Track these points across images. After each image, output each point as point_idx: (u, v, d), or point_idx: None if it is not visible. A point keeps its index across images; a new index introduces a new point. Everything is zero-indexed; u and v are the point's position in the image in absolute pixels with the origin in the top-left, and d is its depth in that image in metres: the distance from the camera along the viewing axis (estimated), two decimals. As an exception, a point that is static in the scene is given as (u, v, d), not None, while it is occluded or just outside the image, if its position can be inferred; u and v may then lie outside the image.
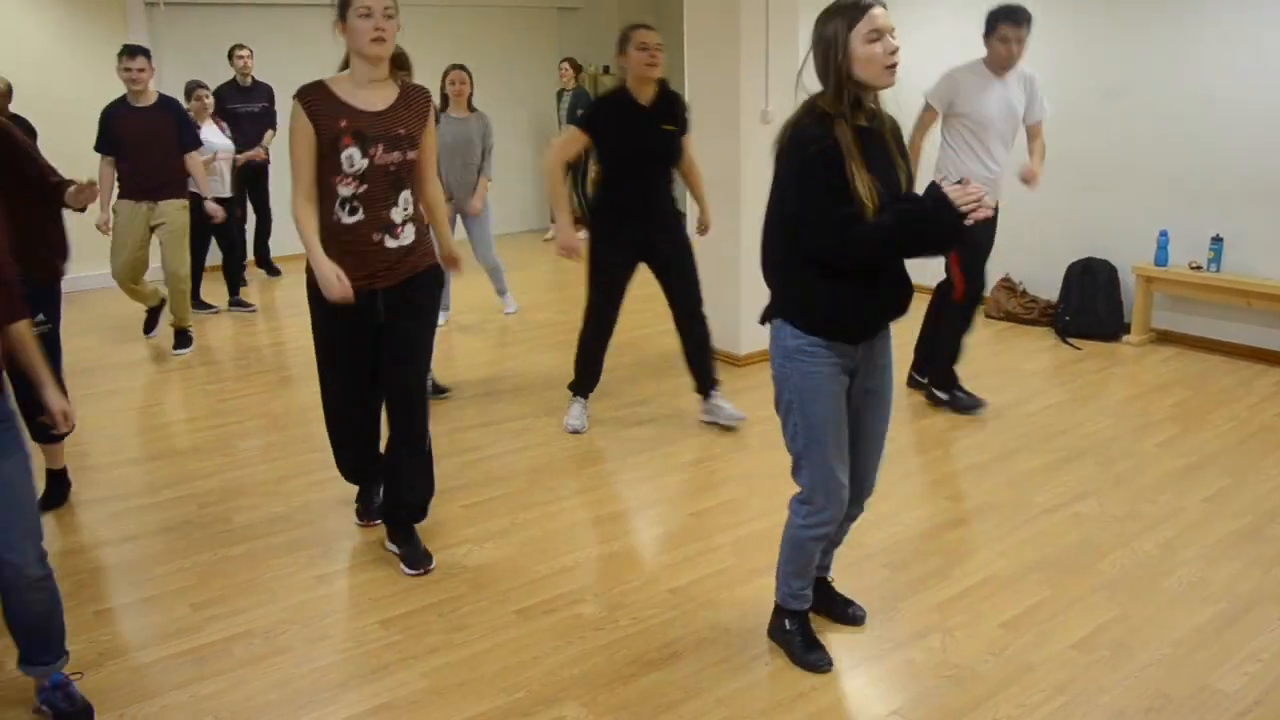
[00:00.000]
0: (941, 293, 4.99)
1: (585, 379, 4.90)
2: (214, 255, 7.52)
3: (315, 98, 3.07)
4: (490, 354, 6.29)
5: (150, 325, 6.72)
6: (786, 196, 2.57)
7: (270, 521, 3.93)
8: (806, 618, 2.95)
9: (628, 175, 4.47)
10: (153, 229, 6.09)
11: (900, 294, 2.68)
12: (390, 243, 3.21)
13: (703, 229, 4.83)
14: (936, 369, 5.02)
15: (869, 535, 3.66)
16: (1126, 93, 6.07)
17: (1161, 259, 5.94)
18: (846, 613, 3.11)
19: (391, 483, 3.56)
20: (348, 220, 3.14)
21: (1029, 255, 6.65)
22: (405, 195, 3.22)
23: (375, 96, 3.13)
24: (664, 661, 2.92)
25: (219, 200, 7.06)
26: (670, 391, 5.27)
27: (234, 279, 7.65)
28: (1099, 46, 6.23)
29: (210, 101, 7.21)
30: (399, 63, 4.11)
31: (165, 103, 6.04)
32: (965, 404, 4.93)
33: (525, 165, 10.58)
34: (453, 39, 9.80)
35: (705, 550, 3.61)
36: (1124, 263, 6.18)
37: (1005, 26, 4.50)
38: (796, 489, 2.79)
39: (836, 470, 2.69)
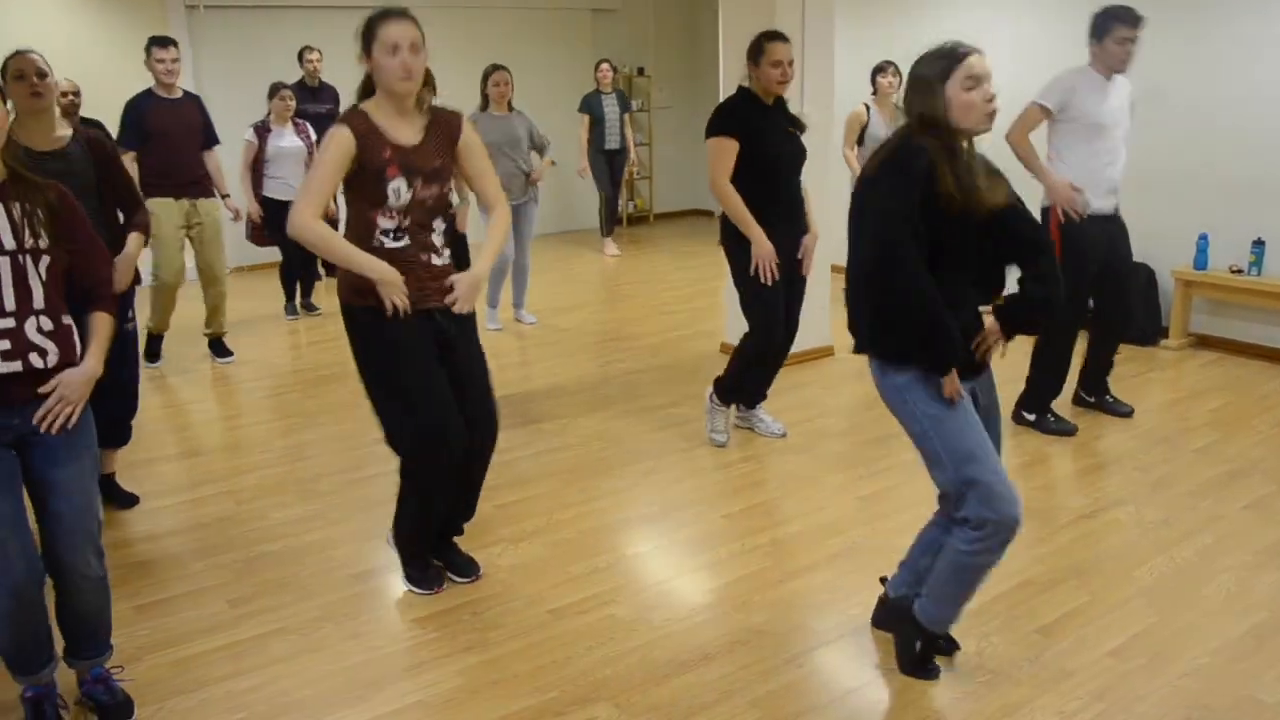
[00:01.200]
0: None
1: (742, 389, 4.67)
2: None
3: (364, 127, 2.99)
4: (522, 354, 6.32)
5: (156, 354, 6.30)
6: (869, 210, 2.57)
7: (305, 519, 3.97)
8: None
9: (768, 178, 4.25)
10: (187, 230, 5.92)
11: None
12: (435, 260, 3.17)
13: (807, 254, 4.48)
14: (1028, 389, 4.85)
15: (903, 539, 3.61)
16: (1166, 95, 6.00)
17: (1201, 262, 5.87)
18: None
19: (462, 496, 3.43)
20: (392, 245, 3.07)
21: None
22: (439, 222, 3.19)
23: (409, 129, 3.08)
24: (697, 663, 2.92)
25: (286, 203, 7.00)
26: (703, 393, 5.26)
27: (303, 283, 7.57)
28: (1139, 48, 6.17)
29: (292, 103, 7.11)
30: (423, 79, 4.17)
31: (191, 96, 6.01)
32: (1054, 428, 4.72)
33: (564, 168, 10.61)
34: (486, 41, 9.84)
35: (738, 553, 3.60)
36: (1162, 266, 6.12)
37: (1122, 28, 4.38)
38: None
39: (996, 482, 2.56)
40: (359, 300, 3.07)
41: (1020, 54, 6.47)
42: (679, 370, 5.82)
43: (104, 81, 7.55)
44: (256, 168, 6.98)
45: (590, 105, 9.32)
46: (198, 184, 5.92)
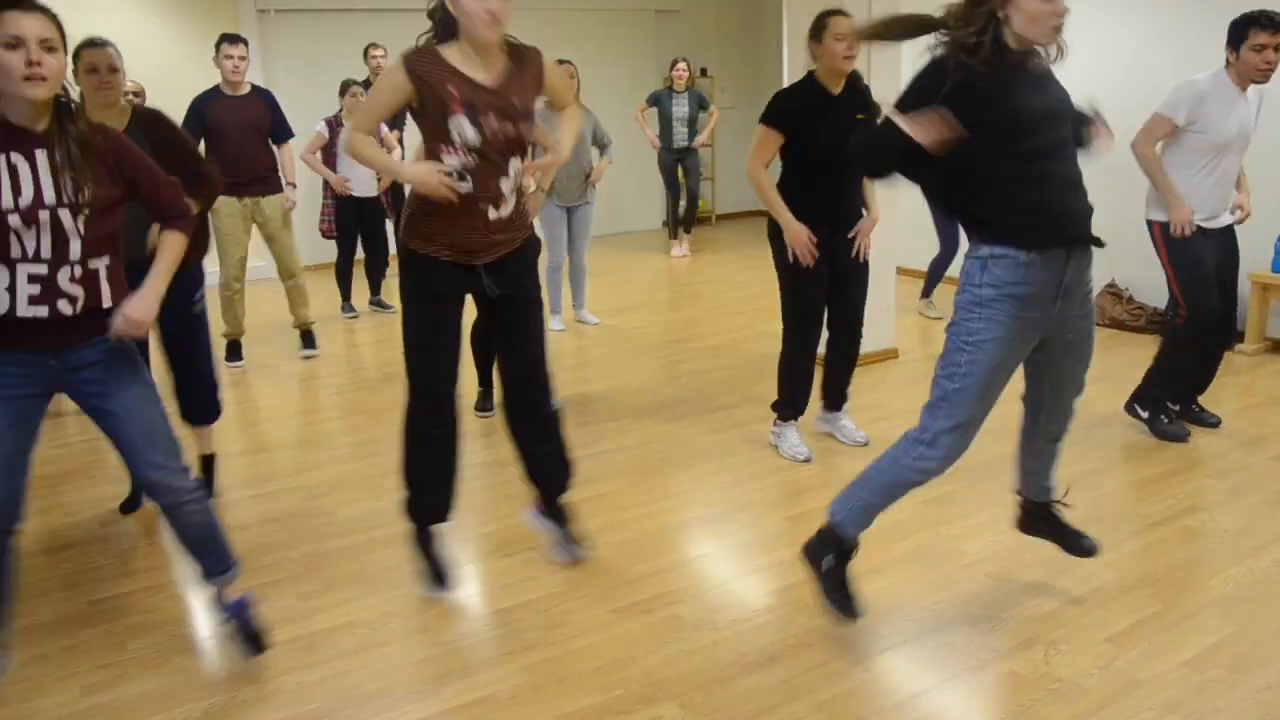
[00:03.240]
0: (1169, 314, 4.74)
1: (796, 399, 4.54)
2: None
3: (423, 60, 2.94)
4: (583, 355, 6.35)
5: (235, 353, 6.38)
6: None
7: (373, 515, 4.02)
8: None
9: (818, 174, 4.14)
10: (258, 226, 6.03)
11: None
12: (493, 214, 3.09)
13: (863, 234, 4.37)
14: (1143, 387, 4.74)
15: (969, 543, 3.61)
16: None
17: (1279, 265, 5.73)
18: (1079, 544, 3.15)
19: (538, 455, 3.53)
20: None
21: (1136, 261, 6.45)
22: (515, 163, 3.10)
23: (486, 66, 3.00)
24: (762, 665, 2.92)
25: (363, 199, 7.16)
26: (768, 394, 5.23)
27: (371, 280, 7.70)
28: (1214, 48, 6.04)
29: (364, 99, 7.18)
30: None
31: (260, 92, 6.07)
32: (1167, 431, 4.59)
33: (617, 169, 10.63)
34: (550, 44, 9.86)
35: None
36: (1239, 270, 5.96)
37: (1261, 33, 4.12)
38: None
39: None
40: (418, 245, 3.11)
41: (1106, 52, 6.36)
42: (743, 371, 5.81)
43: (175, 86, 7.71)
44: (331, 162, 7.07)
45: (657, 99, 9.32)
46: (262, 181, 5.98)
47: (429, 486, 3.38)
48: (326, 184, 7.11)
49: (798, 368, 4.45)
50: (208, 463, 4.25)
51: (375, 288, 7.75)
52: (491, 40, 2.96)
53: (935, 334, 6.58)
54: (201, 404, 4.12)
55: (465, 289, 3.18)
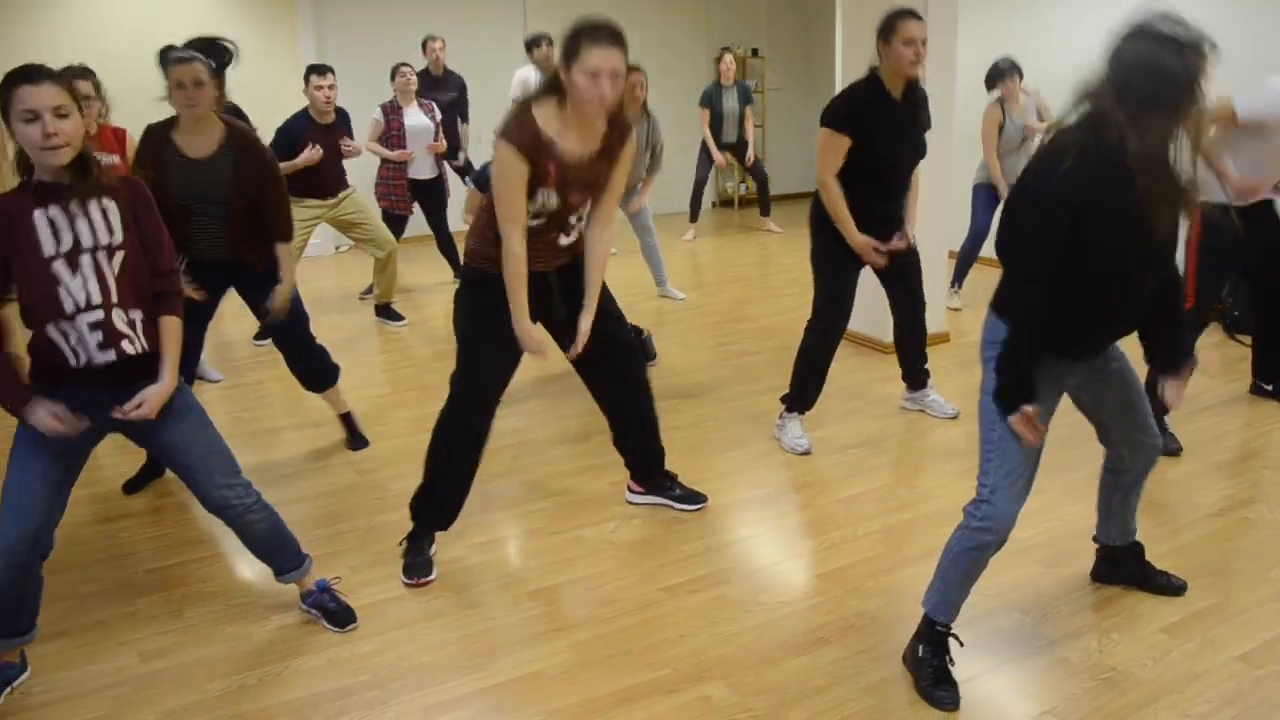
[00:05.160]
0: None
1: (807, 393, 4.47)
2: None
3: (524, 138, 3.00)
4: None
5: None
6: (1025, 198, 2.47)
7: (424, 490, 4.05)
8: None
9: (873, 177, 4.06)
10: (334, 219, 6.16)
11: (1130, 323, 2.66)
12: (563, 240, 3.28)
13: (901, 238, 4.28)
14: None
15: (1022, 530, 3.54)
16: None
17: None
18: (1168, 584, 3.16)
19: (646, 437, 3.76)
20: (530, 225, 3.15)
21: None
22: (588, 206, 3.29)
23: (583, 139, 3.10)
24: (810, 647, 2.91)
25: (421, 182, 7.26)
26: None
27: (452, 256, 7.74)
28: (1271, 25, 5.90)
29: (413, 78, 7.21)
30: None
31: (341, 116, 6.16)
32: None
33: (669, 159, 10.59)
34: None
35: (851, 538, 3.57)
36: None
37: None
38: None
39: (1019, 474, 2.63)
40: (487, 265, 3.21)
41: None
42: (792, 353, 5.75)
43: (241, 73, 7.82)
44: (395, 145, 7.12)
45: (710, 98, 9.24)
46: (337, 182, 6.11)
47: (443, 497, 3.45)
48: (388, 162, 7.16)
49: (814, 361, 4.40)
50: (347, 420, 4.54)
51: (456, 263, 7.75)
52: (595, 116, 3.04)
53: (978, 318, 6.50)
54: (317, 371, 4.34)
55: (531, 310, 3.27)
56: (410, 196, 7.25)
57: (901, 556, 3.42)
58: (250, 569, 3.39)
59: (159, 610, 3.22)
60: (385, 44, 8.80)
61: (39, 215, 2.52)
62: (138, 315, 2.66)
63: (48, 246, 2.52)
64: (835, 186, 4.06)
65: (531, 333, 3.21)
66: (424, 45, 8.03)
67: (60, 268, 2.54)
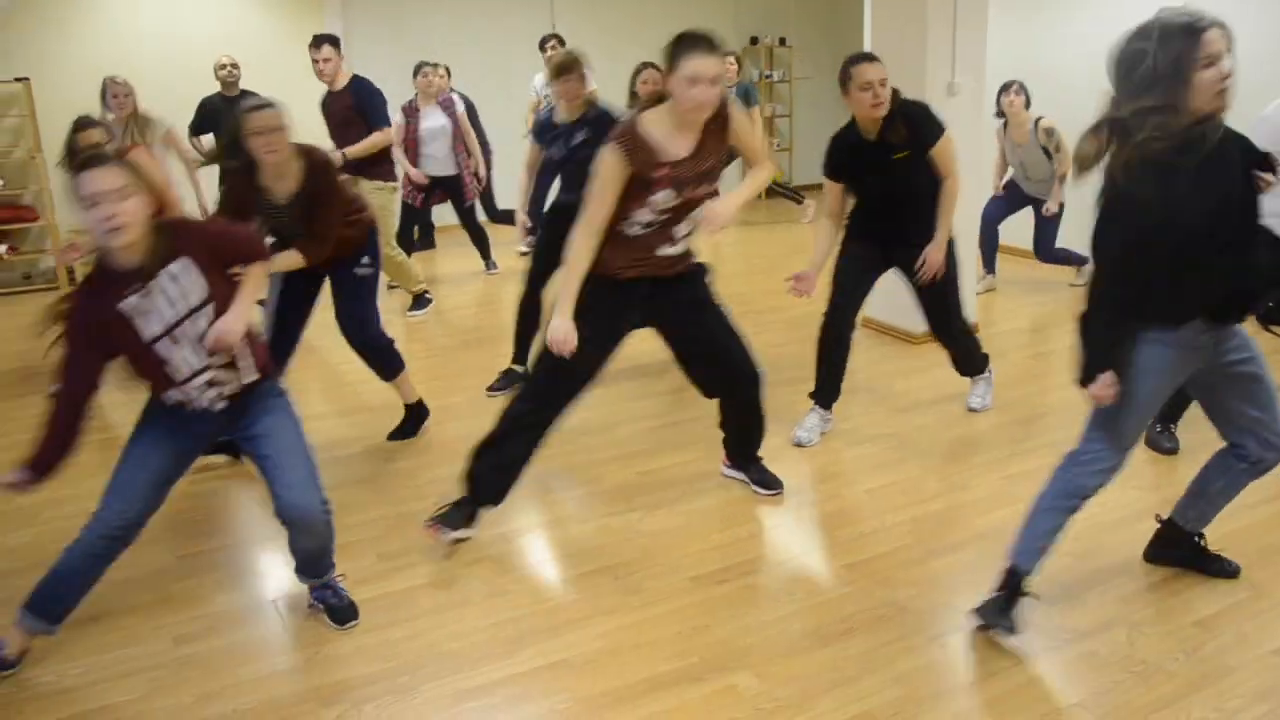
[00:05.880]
0: None
1: (821, 383, 4.52)
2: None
3: (631, 145, 3.13)
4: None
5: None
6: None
7: (452, 479, 4.05)
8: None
9: (877, 209, 4.27)
10: None
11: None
12: (667, 250, 3.36)
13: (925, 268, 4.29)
14: None
15: (1051, 522, 3.55)
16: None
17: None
18: (1223, 567, 3.19)
19: (742, 419, 3.83)
20: (636, 233, 3.29)
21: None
22: (697, 213, 3.33)
23: (686, 139, 3.21)
24: (838, 637, 2.91)
25: (440, 179, 7.34)
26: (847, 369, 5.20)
27: (483, 245, 7.90)
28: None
29: (434, 79, 7.25)
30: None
31: (356, 85, 6.18)
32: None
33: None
34: (624, 24, 9.88)
35: (880, 528, 3.57)
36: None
37: None
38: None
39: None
40: (595, 268, 3.27)
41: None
42: (814, 345, 5.75)
43: (265, 64, 7.89)
44: (410, 147, 7.21)
45: None
46: (361, 169, 6.13)
47: (505, 471, 3.51)
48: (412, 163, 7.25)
49: (819, 349, 4.46)
50: (412, 411, 4.59)
51: (486, 253, 7.97)
52: (695, 120, 3.16)
53: (1006, 308, 6.48)
54: (383, 359, 4.38)
55: (627, 313, 3.43)
56: (416, 189, 7.35)
57: (930, 548, 3.41)
58: (282, 556, 3.42)
59: (192, 595, 3.26)
60: (411, 34, 8.84)
61: (125, 307, 2.60)
62: (239, 352, 2.78)
63: (145, 332, 2.63)
64: (824, 227, 4.37)
65: (563, 329, 3.22)
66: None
67: (162, 347, 2.65)
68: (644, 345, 5.70)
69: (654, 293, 3.40)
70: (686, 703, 2.65)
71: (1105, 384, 2.64)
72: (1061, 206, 6.44)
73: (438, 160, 7.29)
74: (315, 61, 6.05)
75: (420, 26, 9.32)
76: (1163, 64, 2.37)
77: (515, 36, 9.58)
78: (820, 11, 11.49)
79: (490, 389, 5.19)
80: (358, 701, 2.70)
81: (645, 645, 2.91)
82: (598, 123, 4.55)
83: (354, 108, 6.14)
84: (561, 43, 7.77)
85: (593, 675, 2.78)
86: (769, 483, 3.87)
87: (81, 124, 5.03)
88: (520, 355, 5.15)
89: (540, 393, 3.46)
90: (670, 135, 3.17)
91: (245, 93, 7.31)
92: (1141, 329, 2.64)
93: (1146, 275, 2.54)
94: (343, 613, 3.08)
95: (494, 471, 3.49)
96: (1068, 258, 6.81)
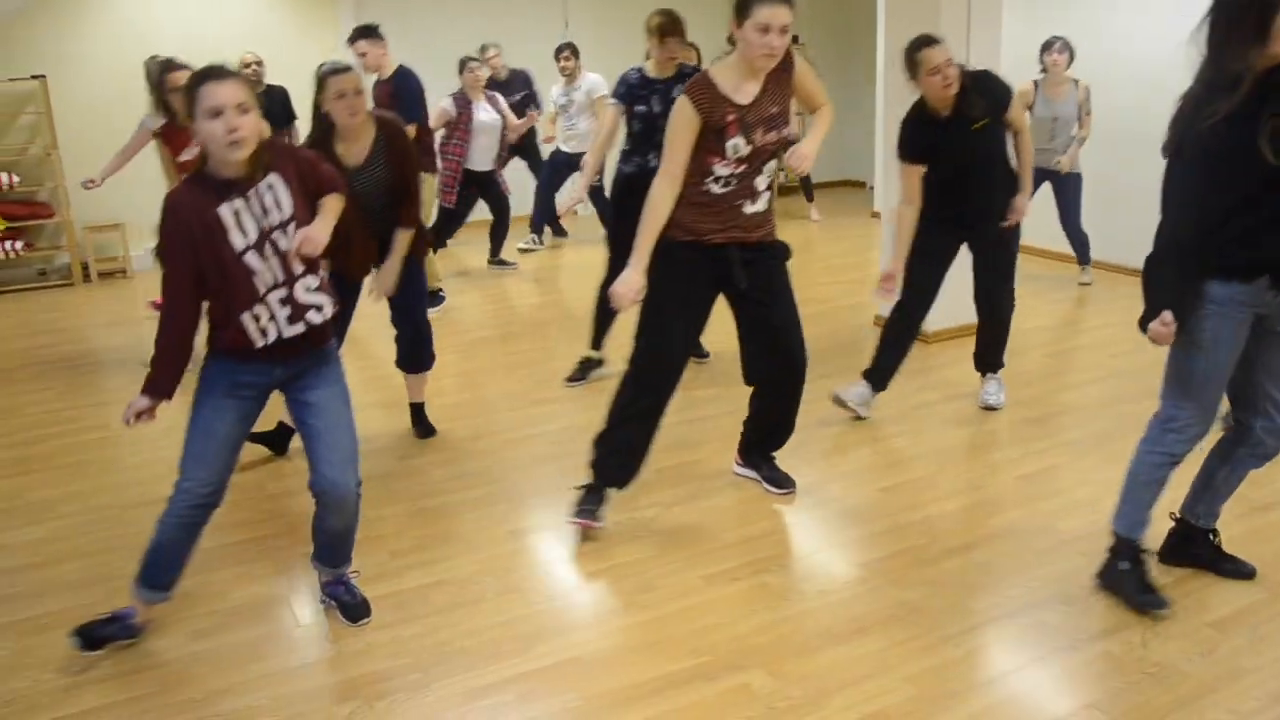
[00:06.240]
0: None
1: (880, 367, 4.61)
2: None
3: (706, 94, 3.25)
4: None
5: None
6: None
7: (464, 476, 4.09)
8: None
9: (953, 185, 4.30)
10: None
11: None
12: (749, 208, 3.43)
13: (1013, 214, 4.44)
14: None
15: (1064, 521, 3.54)
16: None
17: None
18: (1239, 568, 3.18)
19: (777, 413, 3.83)
20: (718, 191, 3.36)
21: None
22: (772, 165, 3.44)
23: (752, 85, 3.31)
24: (851, 636, 2.90)
25: (482, 173, 7.45)
26: (857, 367, 5.17)
27: (500, 239, 8.04)
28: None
29: (482, 74, 7.41)
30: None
31: (399, 75, 6.23)
32: None
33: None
34: (634, 22, 9.84)
35: (893, 527, 3.56)
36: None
37: None
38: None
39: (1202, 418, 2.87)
40: (679, 234, 3.38)
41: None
42: (831, 343, 5.76)
43: (278, 61, 7.91)
44: (461, 137, 7.28)
45: None
46: None
47: (625, 456, 3.55)
48: (446, 153, 7.28)
49: (887, 335, 4.56)
50: (418, 411, 4.59)
51: (498, 249, 8.09)
52: (764, 68, 3.27)
53: (1020, 307, 6.45)
54: (420, 350, 4.40)
55: (716, 280, 3.49)
56: (461, 190, 7.42)
57: (944, 547, 3.40)
58: (297, 552, 3.43)
59: (206, 591, 3.27)
60: (424, 32, 8.85)
61: (224, 210, 2.63)
62: (317, 280, 2.80)
63: (238, 241, 2.65)
64: (906, 215, 4.36)
65: (636, 283, 3.32)
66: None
67: (252, 258, 2.66)
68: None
69: (741, 258, 3.46)
70: (699, 701, 2.65)
71: (1164, 322, 2.69)
72: (1079, 178, 6.55)
73: (484, 155, 7.46)
74: (356, 56, 6.11)
75: (432, 24, 9.33)
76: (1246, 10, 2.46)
77: (529, 36, 9.57)
78: (833, 8, 11.45)
79: (569, 380, 5.24)
80: (370, 698, 2.71)
81: (658, 643, 2.90)
82: (692, 78, 4.61)
83: (393, 96, 6.20)
84: (575, 52, 7.91)
85: (605, 673, 2.78)
86: (782, 481, 3.87)
87: (170, 65, 5.09)
88: (597, 343, 5.22)
89: (640, 378, 3.50)
90: (736, 85, 3.29)
91: (270, 88, 7.35)
92: (1212, 281, 2.70)
93: (1218, 222, 2.60)
94: (355, 610, 3.08)
95: (614, 456, 3.55)
96: (1083, 244, 6.81)
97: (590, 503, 3.56)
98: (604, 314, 5.09)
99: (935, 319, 5.55)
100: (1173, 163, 2.68)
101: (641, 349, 3.49)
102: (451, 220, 7.66)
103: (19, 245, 7.94)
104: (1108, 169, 6.94)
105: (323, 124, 3.87)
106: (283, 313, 2.73)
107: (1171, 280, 2.70)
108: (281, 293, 2.72)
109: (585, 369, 5.23)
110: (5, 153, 8.04)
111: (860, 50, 10.84)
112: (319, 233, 2.77)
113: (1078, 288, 6.87)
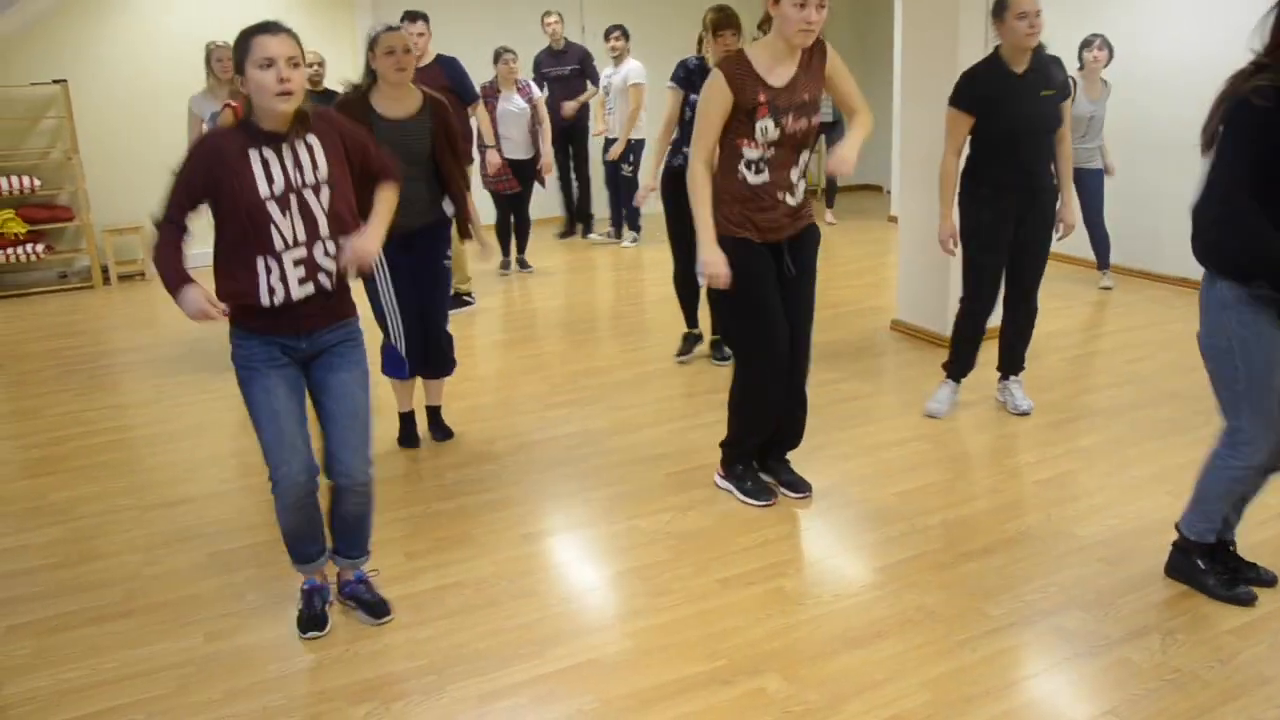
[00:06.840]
0: None
1: (960, 360, 4.66)
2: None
3: (738, 70, 3.30)
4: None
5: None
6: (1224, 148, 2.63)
7: (480, 479, 4.09)
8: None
9: (1008, 150, 4.20)
10: None
11: None
12: (790, 200, 3.50)
13: (1065, 227, 4.48)
14: None
15: (1082, 527, 3.52)
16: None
17: None
18: (1259, 576, 3.14)
19: (796, 413, 3.87)
20: (754, 180, 3.41)
21: None
22: (805, 157, 3.49)
23: (785, 67, 3.35)
24: (868, 640, 2.89)
25: (514, 161, 7.52)
26: (874, 370, 5.19)
27: (518, 240, 8.06)
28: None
29: (516, 66, 7.51)
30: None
31: (443, 62, 6.25)
32: None
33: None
34: (648, 23, 9.85)
35: (909, 531, 3.54)
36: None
37: None
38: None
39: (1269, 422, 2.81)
40: (733, 230, 3.45)
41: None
42: (848, 346, 5.74)
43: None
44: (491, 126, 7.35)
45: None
46: None
47: (761, 433, 3.77)
48: (481, 146, 7.32)
49: (962, 332, 4.58)
50: (435, 414, 4.60)
51: (522, 247, 8.13)
52: (800, 45, 3.30)
53: (1040, 311, 6.42)
54: (441, 355, 4.39)
55: (773, 269, 3.53)
56: (510, 174, 7.50)
57: (960, 551, 3.39)
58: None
59: (222, 593, 3.28)
60: (442, 28, 8.85)
61: (254, 155, 2.65)
62: (338, 245, 2.80)
63: (263, 188, 2.66)
64: (953, 166, 4.29)
65: (718, 256, 3.39)
66: (541, 21, 8.47)
67: (274, 208, 2.67)
68: (669, 347, 5.71)
69: (788, 247, 3.55)
70: (714, 705, 2.64)
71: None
72: (1100, 174, 6.57)
73: (515, 144, 7.56)
74: (411, 35, 6.08)
75: (449, 18, 9.33)
76: None
77: (538, 38, 9.61)
78: (850, 14, 11.43)
79: (679, 356, 5.60)
80: (386, 700, 2.71)
81: (673, 646, 2.90)
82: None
83: (442, 83, 6.17)
84: (625, 34, 8.14)
85: (620, 677, 2.77)
86: (798, 485, 3.86)
87: (217, 44, 5.58)
88: (691, 320, 5.63)
89: (748, 355, 3.62)
90: (770, 67, 3.32)
91: (329, 92, 7.35)
92: (1221, 283, 2.71)
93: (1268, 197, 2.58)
94: (377, 608, 3.10)
95: (755, 422, 3.74)
96: (1104, 245, 6.78)
97: (752, 482, 3.81)
98: (687, 296, 5.48)
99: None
100: (1221, 143, 2.64)
101: (747, 330, 3.57)
102: (510, 207, 7.78)
103: (40, 248, 8.00)
104: (1128, 174, 6.90)
105: (365, 80, 3.95)
106: (295, 272, 2.72)
107: (1257, 238, 2.62)
108: (298, 253, 2.72)
109: (689, 344, 5.63)
110: (26, 157, 8.11)
111: (877, 55, 10.81)
112: (369, 245, 2.80)
113: (1098, 291, 6.83)
